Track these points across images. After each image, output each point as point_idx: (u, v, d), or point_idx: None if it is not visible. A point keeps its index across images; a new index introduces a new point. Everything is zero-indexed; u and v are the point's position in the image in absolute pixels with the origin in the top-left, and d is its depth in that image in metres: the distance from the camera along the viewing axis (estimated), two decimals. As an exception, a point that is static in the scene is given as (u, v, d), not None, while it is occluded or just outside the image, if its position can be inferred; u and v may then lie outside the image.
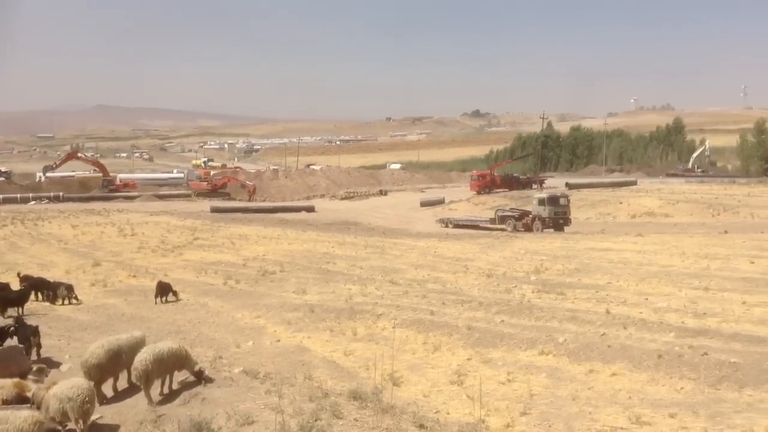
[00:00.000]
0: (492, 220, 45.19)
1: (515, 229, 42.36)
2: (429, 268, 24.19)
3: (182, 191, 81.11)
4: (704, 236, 31.61)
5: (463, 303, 16.93)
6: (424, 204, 62.09)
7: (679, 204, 49.23)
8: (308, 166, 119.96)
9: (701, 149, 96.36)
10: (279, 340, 14.85)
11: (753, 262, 21.21)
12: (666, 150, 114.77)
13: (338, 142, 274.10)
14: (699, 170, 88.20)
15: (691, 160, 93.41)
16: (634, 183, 69.07)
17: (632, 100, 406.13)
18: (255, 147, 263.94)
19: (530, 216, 42.83)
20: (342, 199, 74.30)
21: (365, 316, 16.23)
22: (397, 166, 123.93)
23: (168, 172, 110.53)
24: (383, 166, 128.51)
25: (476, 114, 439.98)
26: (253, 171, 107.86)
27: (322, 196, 79.08)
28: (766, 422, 8.43)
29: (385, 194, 77.92)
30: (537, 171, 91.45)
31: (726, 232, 34.20)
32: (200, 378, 10.53)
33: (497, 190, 68.20)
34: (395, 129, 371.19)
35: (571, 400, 9.98)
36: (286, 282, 22.13)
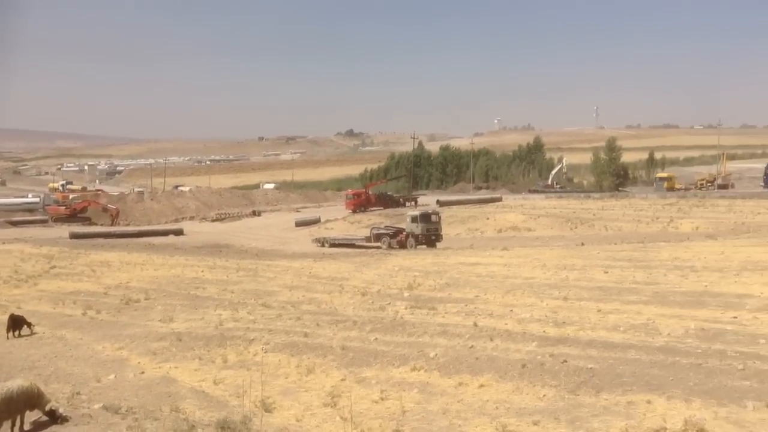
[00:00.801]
0: (367, 238, 45.64)
1: (390, 246, 43.02)
2: (304, 289, 23.98)
3: (38, 216, 75.45)
4: (563, 248, 33.50)
5: (337, 323, 16.89)
6: (300, 224, 61.61)
7: (540, 218, 52.06)
8: (176, 187, 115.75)
9: (559, 166, 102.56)
10: (143, 372, 14.11)
11: (607, 272, 22.66)
12: (528, 167, 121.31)
13: (208, 162, 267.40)
14: (558, 186, 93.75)
15: (551, 177, 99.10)
16: (499, 199, 72.32)
17: (496, 121, 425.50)
18: (118, 168, 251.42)
19: (404, 233, 43.66)
20: (213, 221, 72.23)
21: (236, 342, 15.79)
22: (271, 185, 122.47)
23: (22, 197, 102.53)
24: (256, 186, 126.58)
25: (350, 134, 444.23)
26: (116, 194, 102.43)
27: (192, 218, 76.46)
28: (621, 424, 8.98)
29: (259, 215, 76.56)
30: (410, 189, 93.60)
31: (583, 244, 36.44)
32: (54, 417, 9.76)
33: (372, 209, 69.02)
34: (268, 148, 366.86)
35: (442, 414, 10.18)
36: (151, 310, 21.16)
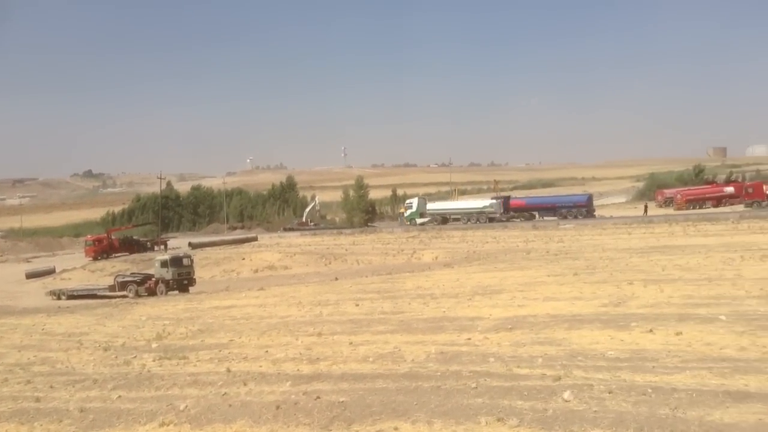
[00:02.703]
0: (111, 287, 42.69)
1: (138, 294, 40.57)
2: (35, 348, 21.41)
3: None
4: (318, 284, 34.25)
5: (75, 383, 15.33)
6: (31, 275, 55.72)
7: (296, 256, 52.88)
8: None
9: (312, 204, 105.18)
10: None
11: (358, 305, 23.50)
12: (282, 206, 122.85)
13: None
14: (312, 223, 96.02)
15: (305, 215, 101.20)
16: (255, 239, 72.09)
17: (248, 160, 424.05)
18: None
19: (153, 279, 41.46)
20: None
21: (-51, 418, 13.53)
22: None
23: None
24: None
25: (89, 174, 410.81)
26: None
27: None
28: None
29: (-20, 268, 67.54)
30: (159, 233, 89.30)
31: (336, 278, 37.62)
32: None
33: (116, 255, 64.83)
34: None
35: (193, 470, 9.66)
36: None
